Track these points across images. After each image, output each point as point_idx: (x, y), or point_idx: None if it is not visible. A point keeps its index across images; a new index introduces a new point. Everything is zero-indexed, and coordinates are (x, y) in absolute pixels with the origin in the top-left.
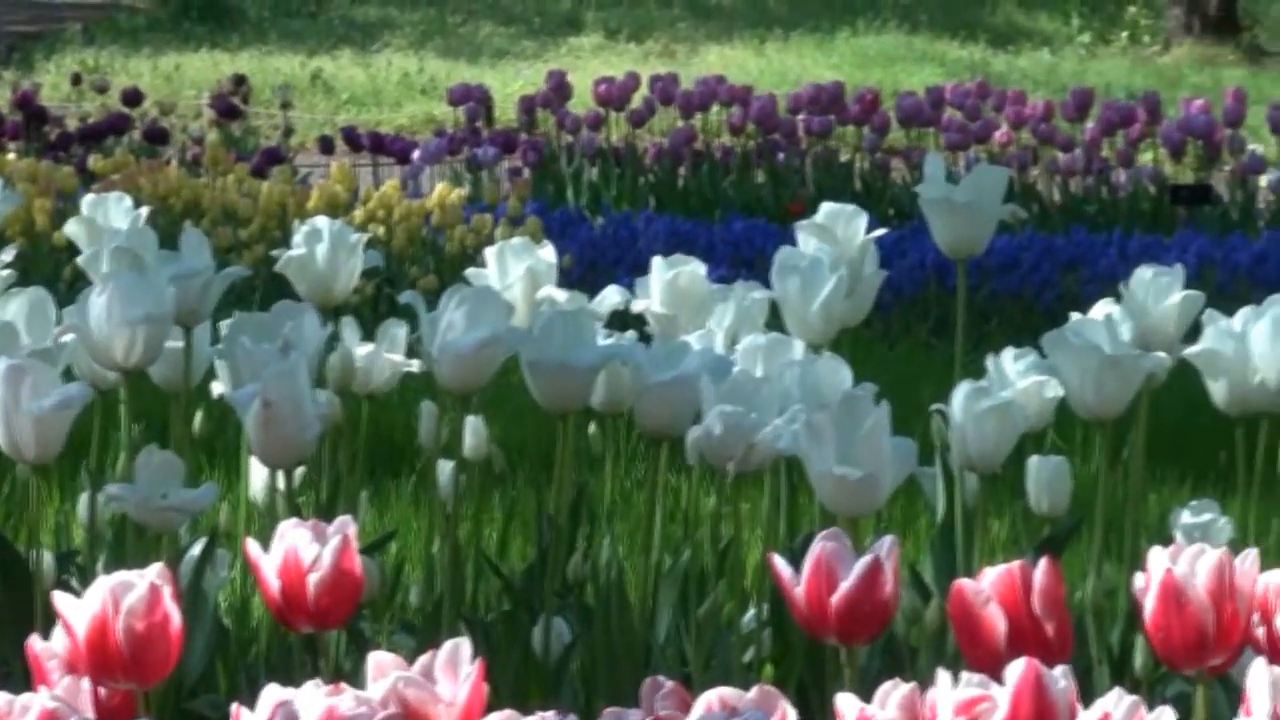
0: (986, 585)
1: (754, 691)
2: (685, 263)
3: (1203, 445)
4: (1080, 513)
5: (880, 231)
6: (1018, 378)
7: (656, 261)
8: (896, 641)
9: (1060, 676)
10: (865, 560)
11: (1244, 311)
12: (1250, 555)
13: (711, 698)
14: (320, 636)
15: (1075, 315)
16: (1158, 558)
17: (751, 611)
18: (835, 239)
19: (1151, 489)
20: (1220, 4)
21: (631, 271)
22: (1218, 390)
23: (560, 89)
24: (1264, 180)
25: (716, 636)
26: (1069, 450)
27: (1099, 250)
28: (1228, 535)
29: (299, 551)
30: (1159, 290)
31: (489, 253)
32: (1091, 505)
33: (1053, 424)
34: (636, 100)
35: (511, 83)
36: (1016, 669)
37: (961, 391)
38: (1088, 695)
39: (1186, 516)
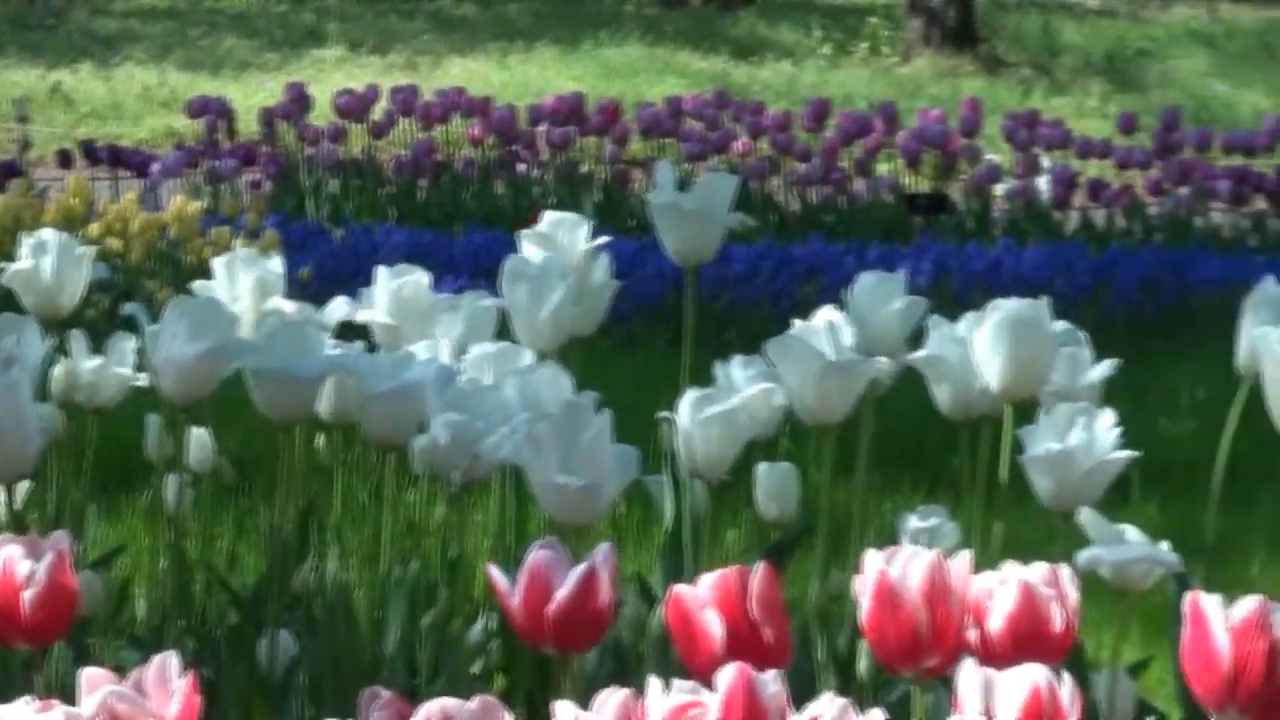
0: (704, 591)
1: (475, 701)
2: (410, 272)
3: (938, 452)
4: (816, 519)
5: (603, 240)
6: (745, 385)
7: (381, 271)
8: (625, 649)
9: (771, 681)
10: (580, 569)
11: (968, 317)
12: (963, 556)
13: (432, 708)
14: (40, 653)
15: (798, 322)
16: (873, 559)
17: (482, 622)
18: (559, 247)
19: (886, 496)
20: (959, 16)
21: (372, 283)
22: (941, 395)
23: (300, 101)
24: (999, 189)
25: (444, 647)
26: (803, 458)
27: (837, 259)
28: (954, 540)
29: (13, 567)
30: (882, 296)
31: (217, 264)
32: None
33: (788, 432)
34: (377, 112)
35: (254, 95)
36: (727, 674)
37: (687, 399)
38: (813, 700)
39: (913, 521)
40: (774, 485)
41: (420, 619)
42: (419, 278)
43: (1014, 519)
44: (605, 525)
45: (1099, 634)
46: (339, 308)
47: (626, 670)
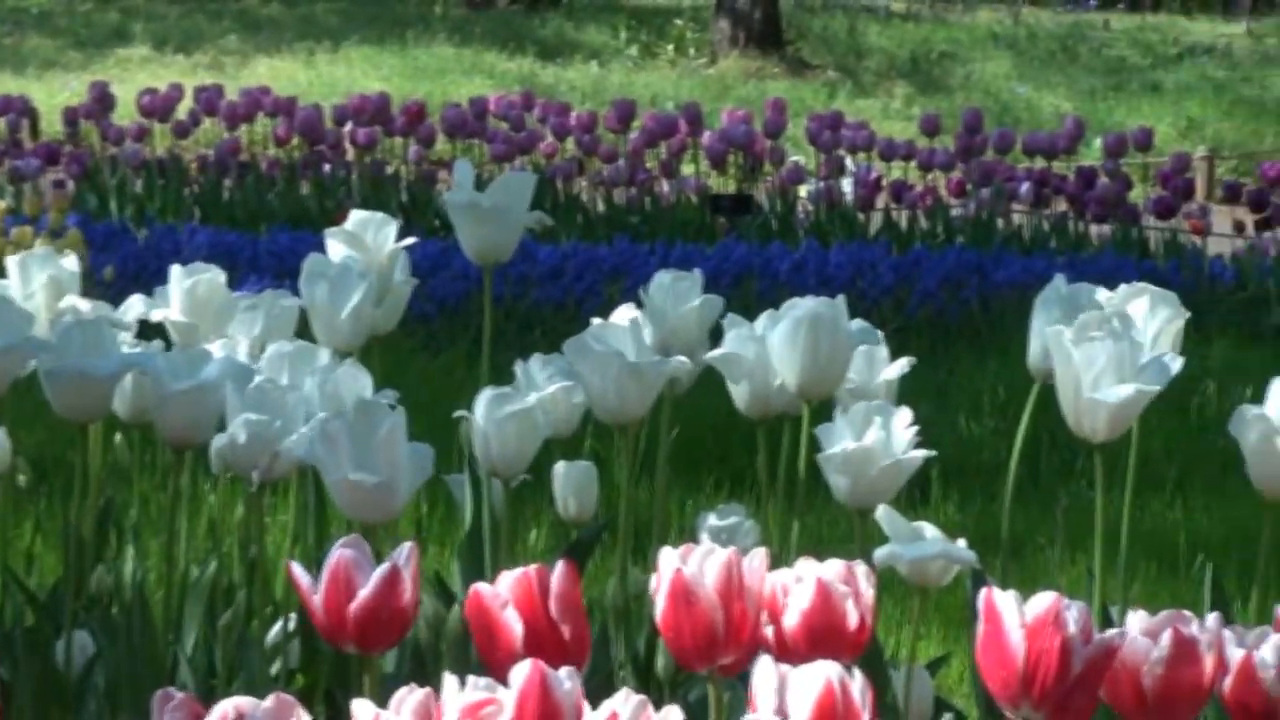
0: (503, 589)
1: (269, 699)
2: (205, 270)
3: (742, 452)
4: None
5: (410, 240)
6: (545, 383)
7: (175, 270)
8: (423, 648)
9: (566, 678)
10: (383, 568)
11: (765, 315)
12: (758, 554)
13: (226, 707)
14: None
15: (598, 321)
16: (668, 557)
17: (282, 622)
18: (365, 247)
19: (690, 495)
20: (765, 19)
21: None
22: (739, 394)
23: (104, 100)
24: (804, 190)
25: (242, 647)
26: (608, 456)
27: (642, 260)
28: (754, 538)
29: None
30: (679, 295)
31: (10, 262)
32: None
33: (591, 431)
34: (181, 112)
35: (57, 94)
36: (522, 671)
37: (485, 398)
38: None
39: (713, 520)
40: (573, 484)
41: (219, 619)
42: (214, 276)
43: (818, 518)
44: (407, 525)
45: (901, 632)
46: (135, 306)
47: (425, 669)
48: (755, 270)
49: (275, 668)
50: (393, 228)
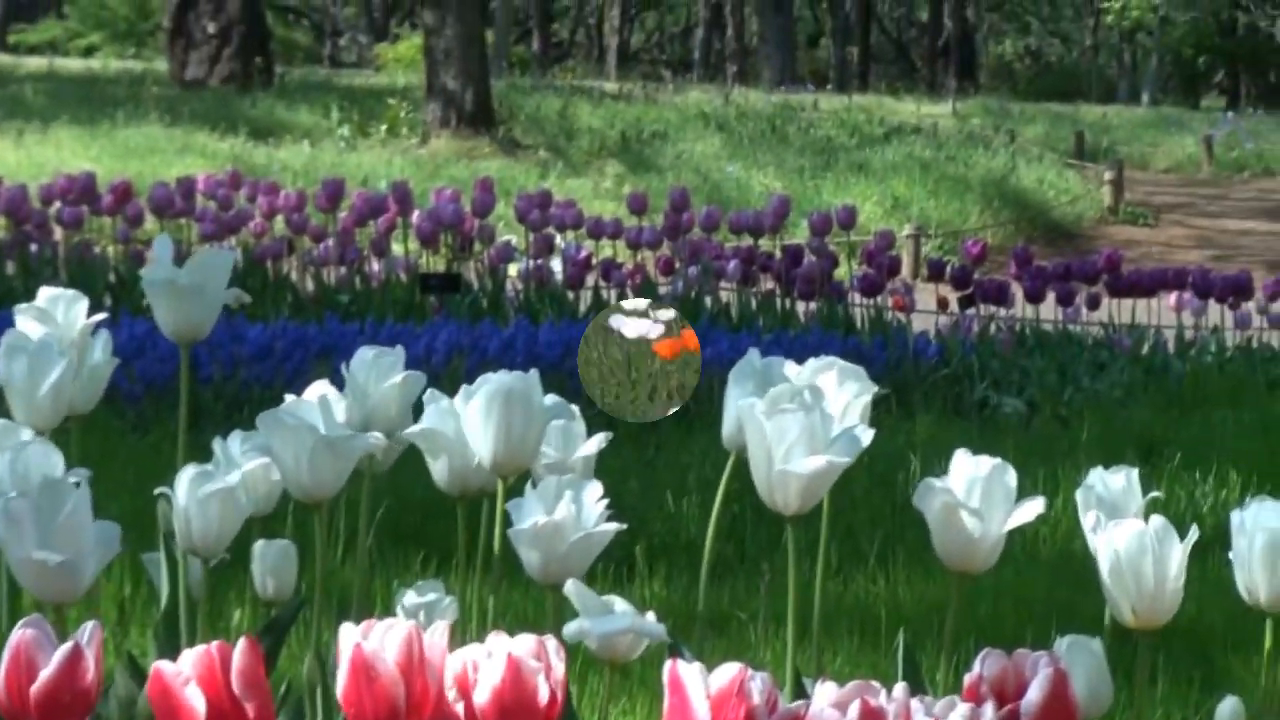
0: (186, 667)
1: None
2: None
3: (453, 529)
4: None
5: (101, 316)
6: (242, 460)
7: None
8: None
9: None
10: (65, 647)
11: (464, 390)
12: (439, 628)
13: None
14: None
15: (290, 397)
16: (348, 633)
17: None
18: (56, 323)
19: (397, 574)
20: (476, 99)
21: None
22: (438, 470)
23: None
24: (513, 269)
25: None
26: (311, 534)
27: (351, 339)
28: (453, 614)
29: None
30: (381, 372)
31: None
32: (329, 589)
33: (292, 509)
34: None
35: None
36: None
37: (185, 476)
38: None
39: (410, 596)
40: (270, 563)
41: None
42: None
43: (524, 594)
44: (110, 605)
45: (608, 709)
46: None
47: None
48: (465, 348)
49: None
50: (83, 305)
